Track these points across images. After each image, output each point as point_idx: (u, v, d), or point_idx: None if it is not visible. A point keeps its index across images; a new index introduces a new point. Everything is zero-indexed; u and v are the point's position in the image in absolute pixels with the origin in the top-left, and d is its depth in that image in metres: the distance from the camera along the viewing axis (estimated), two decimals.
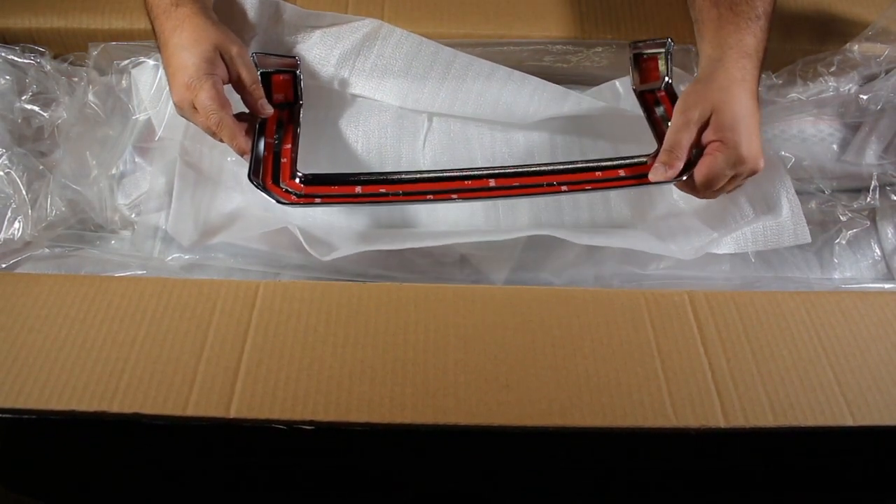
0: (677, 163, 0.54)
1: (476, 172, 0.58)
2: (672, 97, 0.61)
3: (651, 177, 0.54)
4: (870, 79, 0.68)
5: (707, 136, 0.54)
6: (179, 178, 0.61)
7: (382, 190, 0.57)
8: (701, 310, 0.51)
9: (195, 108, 0.54)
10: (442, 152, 0.68)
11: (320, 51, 0.67)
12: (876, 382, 0.48)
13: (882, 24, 0.66)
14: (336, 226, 0.63)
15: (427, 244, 0.59)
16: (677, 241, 0.60)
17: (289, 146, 0.59)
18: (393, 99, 0.68)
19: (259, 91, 0.58)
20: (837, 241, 0.66)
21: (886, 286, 0.64)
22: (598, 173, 0.58)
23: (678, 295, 0.52)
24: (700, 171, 0.53)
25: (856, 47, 0.67)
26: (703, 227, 0.62)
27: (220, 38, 0.55)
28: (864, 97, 0.66)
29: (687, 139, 0.54)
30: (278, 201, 0.54)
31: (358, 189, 0.57)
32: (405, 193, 0.57)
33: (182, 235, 0.58)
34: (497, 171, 0.58)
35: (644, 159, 0.57)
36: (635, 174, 0.57)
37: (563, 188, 0.56)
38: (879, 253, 0.66)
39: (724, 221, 0.61)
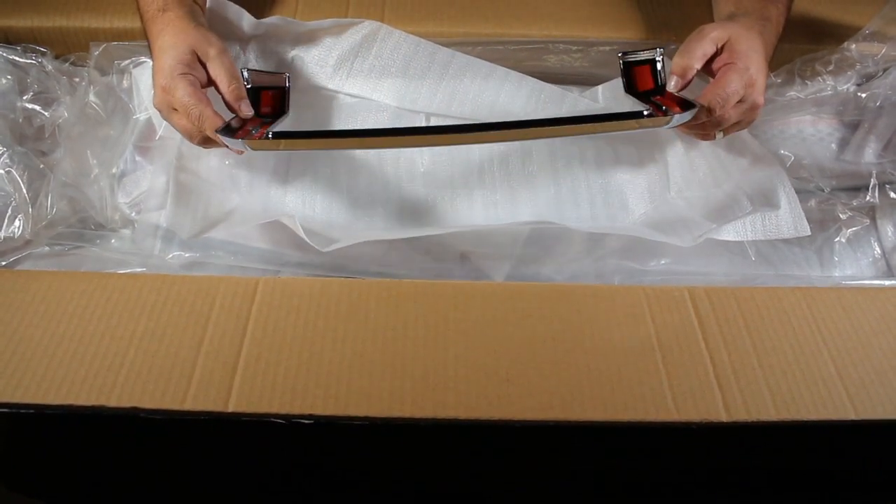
0: (690, 72, 0.54)
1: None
2: (668, 98, 0.58)
3: (669, 87, 0.55)
4: (868, 77, 0.68)
5: (719, 60, 0.54)
6: (176, 182, 0.61)
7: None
8: (702, 305, 0.51)
9: (175, 108, 0.54)
10: (440, 151, 0.68)
11: (319, 52, 0.67)
12: (878, 376, 0.48)
13: (879, 23, 0.66)
14: (335, 220, 0.63)
15: (427, 233, 0.59)
16: (677, 230, 0.60)
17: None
18: (390, 99, 0.68)
19: (239, 91, 0.56)
20: (837, 239, 0.66)
21: (887, 283, 0.64)
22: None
23: (678, 291, 0.52)
24: (713, 89, 0.53)
25: (853, 46, 0.67)
26: (702, 220, 0.62)
27: (197, 41, 0.55)
28: (863, 96, 0.66)
29: (702, 49, 0.54)
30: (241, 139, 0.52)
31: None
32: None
33: (180, 228, 0.58)
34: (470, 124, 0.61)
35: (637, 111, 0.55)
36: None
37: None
38: (879, 251, 0.66)
39: (722, 214, 0.61)
